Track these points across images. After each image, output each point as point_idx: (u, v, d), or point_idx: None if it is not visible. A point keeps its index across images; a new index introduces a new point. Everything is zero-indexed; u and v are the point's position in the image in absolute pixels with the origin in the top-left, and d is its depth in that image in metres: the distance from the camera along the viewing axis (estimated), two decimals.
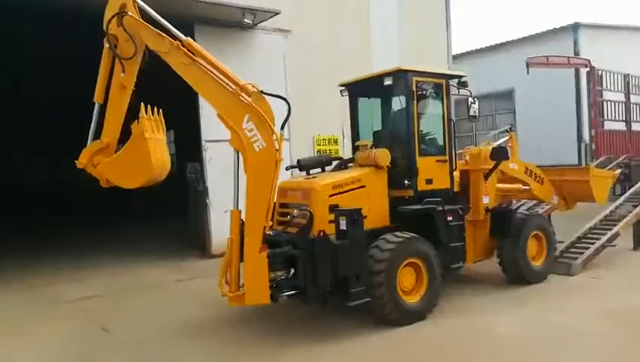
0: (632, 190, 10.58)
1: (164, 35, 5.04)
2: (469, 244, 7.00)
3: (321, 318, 6.21)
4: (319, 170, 6.85)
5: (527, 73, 13.61)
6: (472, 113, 6.99)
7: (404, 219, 6.33)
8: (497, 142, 8.56)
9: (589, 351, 4.97)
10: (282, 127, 5.25)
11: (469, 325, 5.81)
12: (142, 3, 5.15)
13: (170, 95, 9.55)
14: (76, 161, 5.09)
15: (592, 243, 8.44)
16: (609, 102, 14.06)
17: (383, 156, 6.28)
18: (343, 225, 5.49)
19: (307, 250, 5.29)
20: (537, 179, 8.40)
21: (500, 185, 7.77)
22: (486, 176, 7.28)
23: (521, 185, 8.18)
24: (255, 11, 10.11)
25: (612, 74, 14.10)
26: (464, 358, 4.98)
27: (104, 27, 5.04)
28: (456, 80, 7.00)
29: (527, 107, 19.67)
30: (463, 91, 7.02)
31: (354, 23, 12.90)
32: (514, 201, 8.71)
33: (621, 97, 14.38)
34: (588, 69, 13.50)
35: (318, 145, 12.13)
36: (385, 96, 6.93)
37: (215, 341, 5.69)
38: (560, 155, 16.94)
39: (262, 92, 5.13)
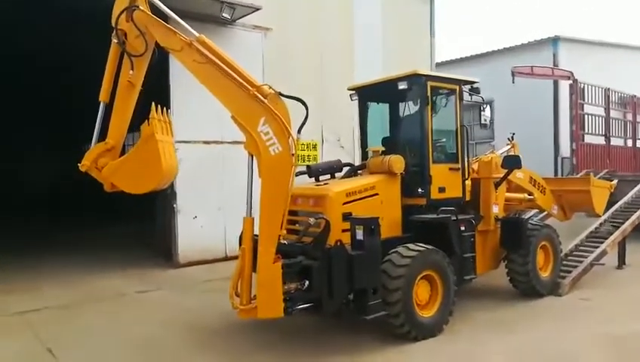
0: (612, 209, 10.01)
1: (176, 31, 4.74)
2: (478, 255, 6.81)
3: (314, 334, 5.92)
4: (328, 176, 6.60)
5: (513, 82, 13.50)
6: (483, 121, 6.84)
7: (416, 228, 6.13)
8: (500, 151, 8.46)
9: None
10: (299, 131, 4.99)
11: (459, 353, 5.34)
12: None
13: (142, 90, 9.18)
14: (79, 164, 4.75)
15: (580, 262, 8.10)
16: (590, 116, 13.90)
17: (398, 163, 6.07)
18: (359, 235, 5.24)
19: (323, 261, 5.02)
20: (540, 188, 8.32)
21: (507, 195, 7.62)
22: (497, 185, 7.13)
23: (526, 195, 8.06)
24: (234, 5, 9.61)
25: (593, 87, 13.95)
26: None
27: (113, 22, 4.72)
28: (469, 85, 6.86)
29: (505, 119, 19.62)
30: (475, 98, 6.88)
31: (337, 24, 12.51)
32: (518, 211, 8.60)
33: (601, 111, 14.22)
34: (570, 81, 13.35)
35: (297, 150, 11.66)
36: (398, 101, 6.72)
37: None
38: (535, 169, 16.73)
39: (280, 94, 4.87)
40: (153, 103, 4.64)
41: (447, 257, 5.87)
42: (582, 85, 13.52)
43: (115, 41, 4.75)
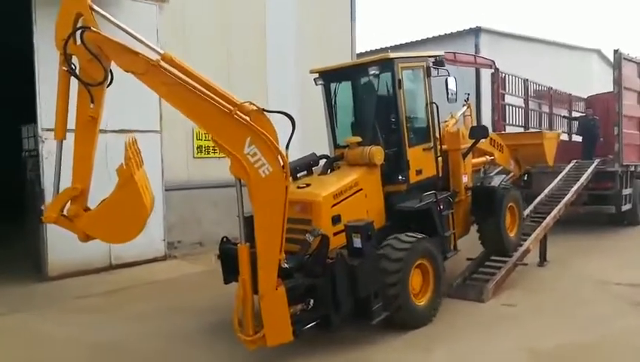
0: (533, 204, 9.66)
1: (138, 52, 4.08)
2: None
3: None
4: (305, 172, 6.28)
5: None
6: (450, 95, 6.71)
7: (399, 214, 6.07)
8: (458, 114, 8.46)
9: None
10: (287, 146, 4.60)
11: None
12: (99, 9, 4.10)
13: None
14: (42, 217, 4.12)
15: (503, 262, 7.42)
16: (510, 106, 13.53)
17: (378, 154, 5.89)
18: (357, 243, 5.08)
19: (325, 277, 4.85)
20: (499, 147, 8.54)
21: (473, 161, 7.72)
22: (464, 156, 7.18)
23: (488, 157, 8.23)
24: None
25: (514, 78, 13.64)
26: None
27: (58, 47, 3.97)
28: (433, 60, 6.66)
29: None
30: (441, 71, 6.71)
31: (246, 3, 11.35)
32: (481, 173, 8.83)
33: (520, 102, 13.92)
34: (492, 70, 12.87)
35: (199, 139, 10.39)
36: (368, 86, 6.40)
37: None
38: None
39: (263, 110, 4.42)
40: (126, 139, 4.04)
41: (435, 243, 5.93)
42: (503, 75, 13.15)
43: (65, 68, 4.01)
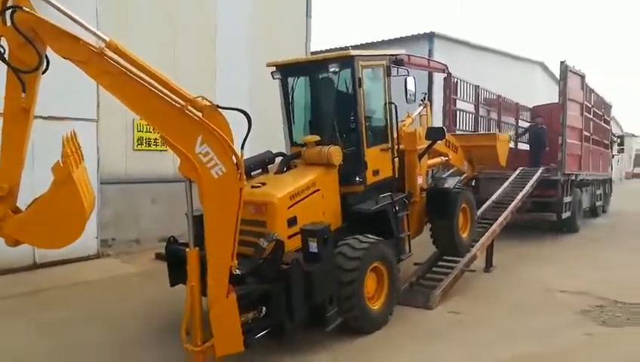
0: (479, 212, 9.08)
1: (79, 38, 3.67)
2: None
3: None
4: (260, 170, 6.01)
5: None
6: (409, 96, 6.60)
7: (356, 216, 5.92)
8: (415, 113, 8.39)
9: None
10: (242, 146, 4.31)
11: None
12: None
13: None
14: None
15: (450, 268, 7.39)
16: (461, 112, 13.50)
17: (337, 154, 5.70)
18: (313, 248, 4.88)
19: (279, 284, 4.62)
20: (453, 148, 8.56)
21: (428, 162, 7.68)
22: (420, 157, 7.11)
23: (443, 158, 8.22)
24: None
25: (465, 83, 13.60)
26: None
27: None
28: (393, 58, 6.53)
29: (379, 109, 19.50)
30: (401, 71, 6.60)
31: None
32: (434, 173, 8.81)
33: (471, 108, 13.90)
34: (445, 74, 12.67)
35: (139, 131, 9.88)
36: (327, 83, 6.17)
37: None
38: None
39: (217, 106, 4.11)
40: (64, 135, 3.64)
41: (391, 246, 5.84)
42: (455, 80, 13.05)
43: None
